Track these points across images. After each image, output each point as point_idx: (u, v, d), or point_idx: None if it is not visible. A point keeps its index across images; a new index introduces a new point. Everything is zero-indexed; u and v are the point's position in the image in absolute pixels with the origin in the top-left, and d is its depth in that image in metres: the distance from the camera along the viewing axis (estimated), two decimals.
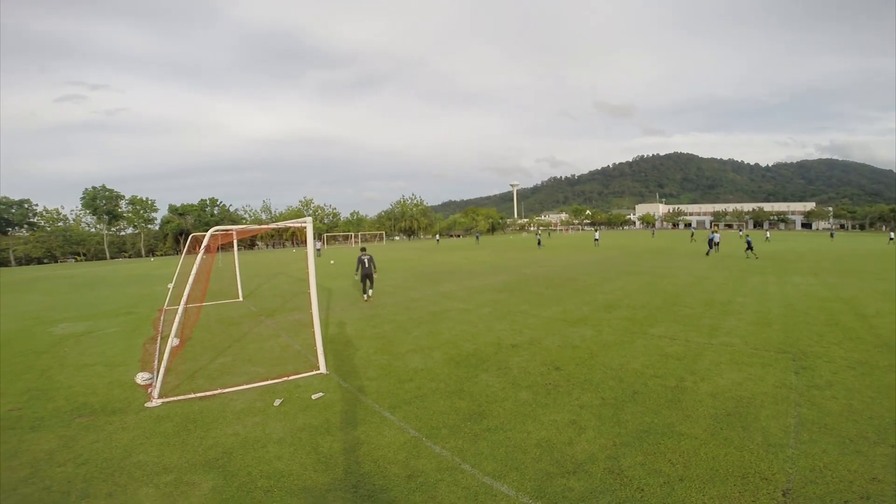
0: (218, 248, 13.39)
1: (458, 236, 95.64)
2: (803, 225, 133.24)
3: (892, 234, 55.92)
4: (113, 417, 5.57)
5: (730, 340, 7.87)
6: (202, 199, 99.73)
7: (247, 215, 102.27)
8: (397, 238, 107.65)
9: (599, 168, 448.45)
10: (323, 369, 6.92)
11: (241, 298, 15.49)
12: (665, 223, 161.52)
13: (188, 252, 18.45)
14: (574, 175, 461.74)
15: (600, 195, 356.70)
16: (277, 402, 5.71)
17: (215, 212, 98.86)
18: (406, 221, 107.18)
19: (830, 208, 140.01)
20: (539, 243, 42.59)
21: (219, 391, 6.26)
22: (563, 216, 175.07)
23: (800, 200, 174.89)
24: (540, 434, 4.54)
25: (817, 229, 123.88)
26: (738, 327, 8.82)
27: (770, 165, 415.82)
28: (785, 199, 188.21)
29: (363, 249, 14.47)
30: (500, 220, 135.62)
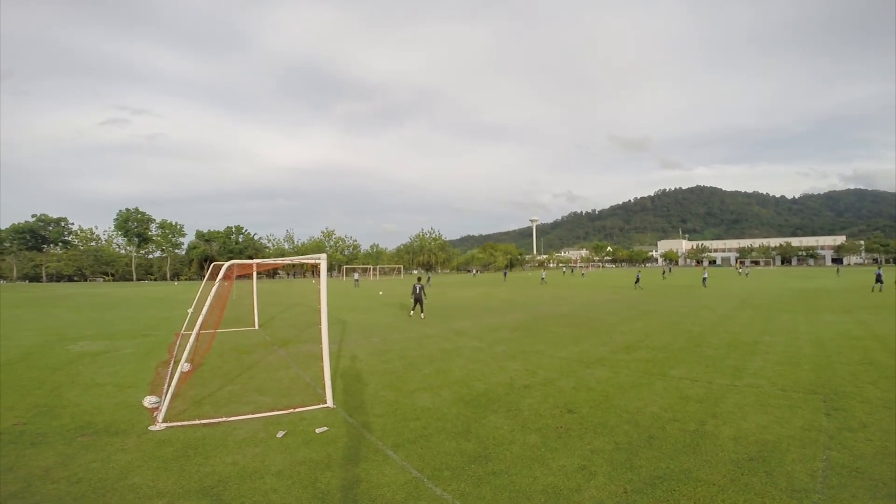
0: (237, 277, 13.65)
1: (476, 272, 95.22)
2: (833, 260, 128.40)
3: (881, 266, 52.31)
4: (114, 438, 5.60)
5: (755, 382, 7.49)
6: (228, 227, 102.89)
7: (270, 244, 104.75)
8: (415, 272, 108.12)
9: (620, 203, 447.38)
10: (330, 403, 6.82)
11: (256, 327, 15.63)
12: (689, 260, 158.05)
13: (209, 279, 18.91)
14: (595, 210, 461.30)
15: (622, 231, 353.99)
16: (280, 434, 5.64)
17: (240, 239, 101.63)
18: (424, 255, 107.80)
19: (862, 242, 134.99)
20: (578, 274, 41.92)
21: (223, 419, 6.25)
22: (584, 252, 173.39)
23: (829, 234, 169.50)
24: (547, 480, 4.31)
25: (849, 264, 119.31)
26: (764, 368, 8.42)
27: (797, 197, 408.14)
28: (813, 233, 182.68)
29: (419, 279, 19.19)
30: (519, 256, 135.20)
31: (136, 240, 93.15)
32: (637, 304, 22.12)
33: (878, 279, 27.99)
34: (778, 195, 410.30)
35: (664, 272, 38.31)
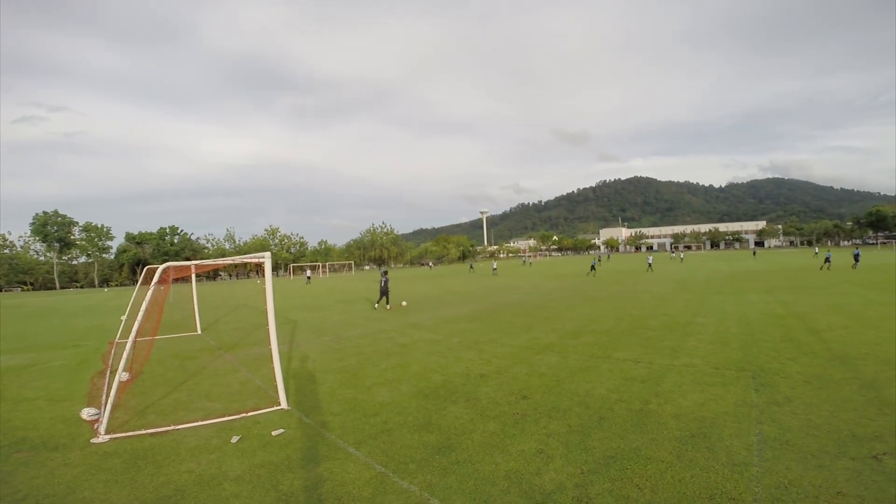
0: (174, 280, 12.91)
1: (430, 265, 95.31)
2: (756, 243, 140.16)
3: (817, 249, 60.05)
4: (55, 453, 5.27)
5: (691, 361, 8.04)
6: (162, 228, 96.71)
7: (209, 244, 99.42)
8: (367, 268, 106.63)
9: (565, 194, 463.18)
10: (284, 405, 6.66)
11: (199, 332, 14.92)
12: (628, 247, 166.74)
13: (142, 283, 17.81)
14: (541, 201, 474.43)
15: (566, 220, 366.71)
16: (235, 439, 5.47)
17: (175, 241, 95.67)
18: (376, 250, 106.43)
19: (780, 226, 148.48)
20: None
21: (171, 427, 5.99)
22: (532, 242, 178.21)
23: (752, 220, 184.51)
24: (508, 465, 4.45)
25: (770, 247, 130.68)
26: (698, 347, 9.06)
27: (723, 186, 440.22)
28: (738, 219, 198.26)
29: (385, 272, 20.09)
30: (471, 248, 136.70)
31: (56, 245, 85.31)
32: (582, 290, 23.08)
33: (827, 260, 31.73)
34: (707, 184, 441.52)
35: (593, 264, 37.59)
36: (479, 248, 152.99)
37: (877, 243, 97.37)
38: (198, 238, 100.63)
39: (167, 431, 5.89)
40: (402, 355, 9.81)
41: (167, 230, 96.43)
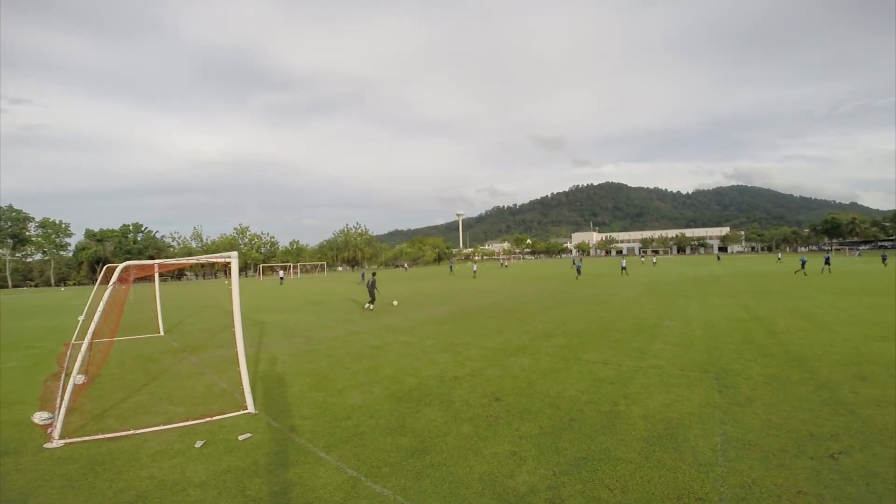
0: (136, 280, 12.43)
1: (406, 267, 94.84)
2: (720, 249, 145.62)
3: (780, 255, 63.69)
4: (5, 459, 5.04)
5: (658, 363, 8.25)
6: (125, 225, 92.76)
7: (175, 243, 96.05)
8: (340, 269, 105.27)
9: (539, 198, 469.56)
10: (251, 409, 6.48)
11: (161, 333, 14.42)
12: (599, 251, 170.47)
13: (101, 283, 17.10)
14: (515, 205, 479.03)
15: (540, 224, 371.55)
16: (199, 444, 5.31)
17: (139, 238, 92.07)
18: (350, 251, 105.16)
19: (742, 232, 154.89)
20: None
21: (131, 432, 5.78)
22: (506, 245, 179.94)
23: (716, 225, 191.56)
24: (482, 468, 4.45)
25: (732, 252, 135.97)
26: (664, 350, 9.30)
27: (690, 193, 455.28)
28: (703, 225, 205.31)
29: (374, 274, 21.65)
30: (447, 250, 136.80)
31: (9, 241, 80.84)
32: (554, 293, 23.42)
33: (803, 265, 32.79)
34: (675, 191, 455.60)
35: (578, 267, 38.07)
36: (454, 251, 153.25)
37: (831, 249, 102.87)
38: (163, 236, 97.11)
39: (127, 436, 5.68)
40: (374, 358, 9.70)
41: (130, 227, 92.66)
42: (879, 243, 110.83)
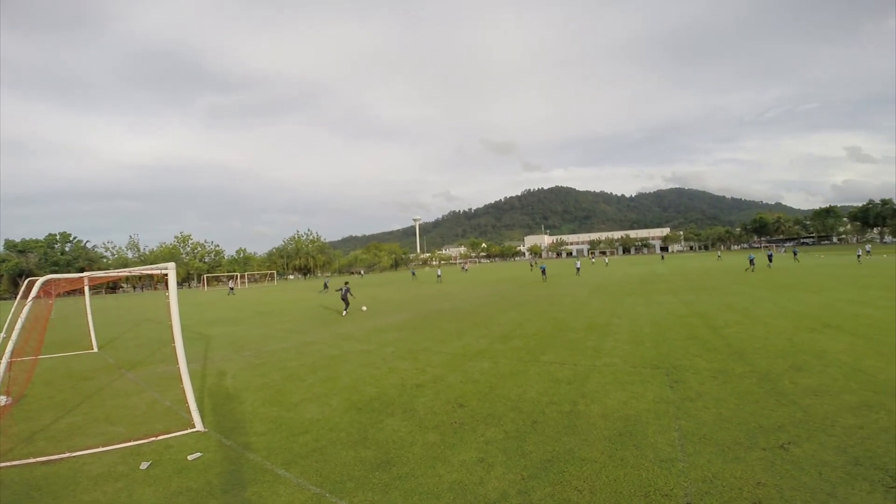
0: (66, 294, 11.43)
1: (362, 273, 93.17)
2: (662, 248, 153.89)
3: (719, 254, 68.74)
4: None
5: (611, 361, 8.50)
6: (51, 234, 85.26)
7: (109, 253, 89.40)
8: (291, 277, 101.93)
9: (493, 202, 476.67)
10: (199, 426, 6.10)
11: (95, 349, 13.42)
12: (550, 253, 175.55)
13: (23, 297, 15.62)
14: (470, 209, 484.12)
15: (494, 228, 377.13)
16: (145, 465, 4.98)
17: (67, 249, 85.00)
18: (301, 259, 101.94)
19: (681, 232, 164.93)
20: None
21: (67, 455, 5.36)
22: (462, 249, 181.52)
23: (657, 227, 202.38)
24: (451, 476, 4.37)
25: (672, 251, 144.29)
26: (616, 347, 9.61)
27: (633, 196, 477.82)
28: (646, 226, 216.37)
29: (346, 283, 21.16)
30: (404, 256, 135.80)
31: None
32: (510, 295, 23.77)
33: (751, 262, 34.43)
34: (619, 194, 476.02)
35: (543, 268, 39.52)
36: (412, 256, 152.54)
37: (760, 247, 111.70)
38: (94, 246, 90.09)
39: (62, 459, 5.29)
40: (331, 368, 9.38)
41: (57, 237, 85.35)
42: (802, 240, 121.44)
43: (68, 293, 13.61)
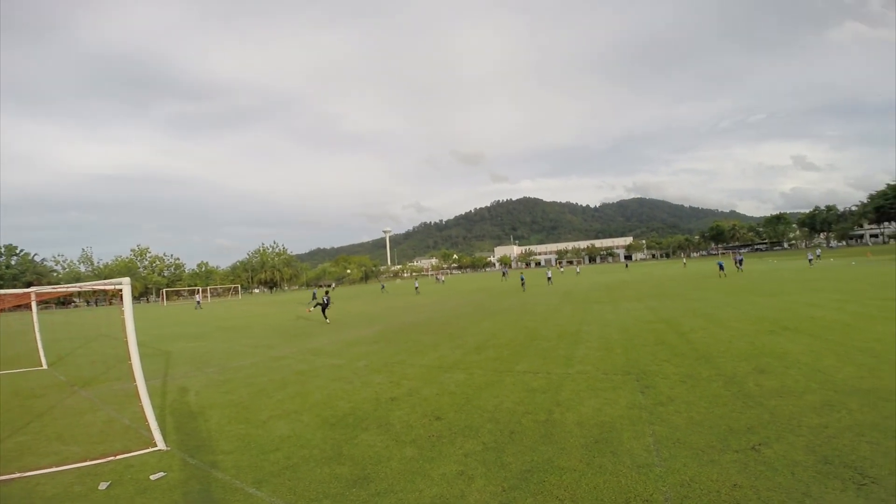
0: (11, 309, 10.75)
1: (332, 286, 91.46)
2: (626, 257, 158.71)
3: (685, 261, 71.39)
4: None
5: (584, 368, 8.57)
6: None
7: (59, 267, 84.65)
8: (257, 291, 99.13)
9: (463, 213, 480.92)
10: (161, 445, 5.81)
11: (44, 366, 12.71)
12: (519, 263, 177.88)
13: None
14: (441, 220, 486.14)
15: (464, 239, 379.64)
16: (104, 486, 4.71)
17: (13, 262, 79.97)
18: (267, 273, 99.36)
19: (644, 241, 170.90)
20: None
21: (17, 475, 5.05)
22: (434, 261, 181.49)
23: (621, 236, 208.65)
24: (432, 491, 4.27)
25: (636, 260, 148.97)
26: (588, 355, 9.71)
27: (598, 206, 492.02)
28: (610, 236, 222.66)
29: (326, 292, 22.74)
30: (374, 268, 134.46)
31: None
32: (483, 305, 23.85)
33: (721, 268, 35.09)
34: (584, 204, 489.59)
35: (522, 278, 39.98)
36: (383, 268, 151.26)
37: (718, 253, 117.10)
38: (43, 259, 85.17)
39: (13, 479, 4.99)
40: (301, 384, 9.10)
41: (2, 250, 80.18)
42: (755, 246, 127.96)
43: (14, 308, 12.78)
